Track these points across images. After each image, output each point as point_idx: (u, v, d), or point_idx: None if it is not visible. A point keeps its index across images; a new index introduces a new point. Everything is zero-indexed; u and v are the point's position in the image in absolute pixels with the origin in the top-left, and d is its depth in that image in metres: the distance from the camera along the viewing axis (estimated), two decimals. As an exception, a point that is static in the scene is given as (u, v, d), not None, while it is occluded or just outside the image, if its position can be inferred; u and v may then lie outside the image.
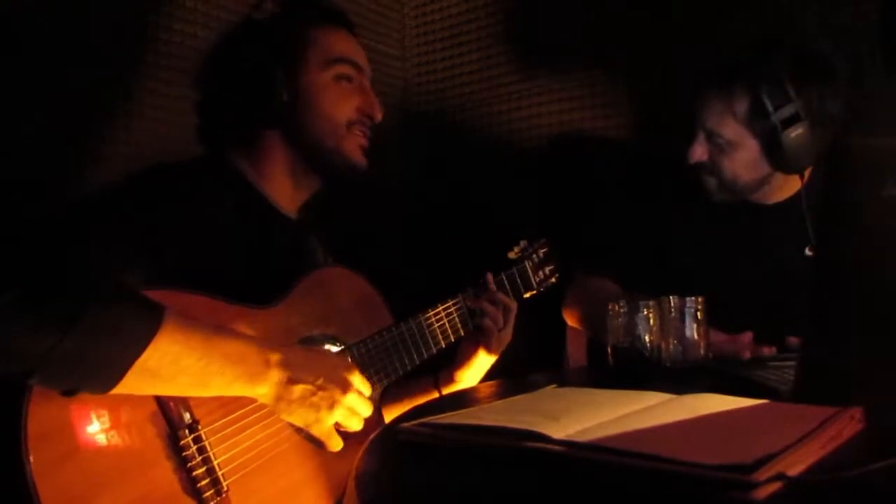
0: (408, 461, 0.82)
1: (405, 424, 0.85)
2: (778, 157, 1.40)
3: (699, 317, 1.17)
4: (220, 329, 0.94)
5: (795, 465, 0.63)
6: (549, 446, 0.71)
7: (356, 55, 1.23)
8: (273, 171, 1.20)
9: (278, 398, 0.95)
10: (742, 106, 1.40)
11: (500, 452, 0.75)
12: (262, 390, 0.94)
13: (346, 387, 1.00)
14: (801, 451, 0.65)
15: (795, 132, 1.36)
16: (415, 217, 2.26)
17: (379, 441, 0.91)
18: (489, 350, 1.33)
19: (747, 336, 1.28)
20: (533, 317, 1.45)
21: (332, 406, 0.98)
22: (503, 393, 1.00)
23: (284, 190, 1.21)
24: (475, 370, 1.35)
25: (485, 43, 2.16)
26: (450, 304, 1.29)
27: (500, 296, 1.34)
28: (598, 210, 1.83)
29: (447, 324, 1.27)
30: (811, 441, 0.67)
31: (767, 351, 1.26)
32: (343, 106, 1.20)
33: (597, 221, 1.77)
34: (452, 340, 1.29)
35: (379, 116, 1.24)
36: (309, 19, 1.20)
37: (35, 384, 0.80)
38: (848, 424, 0.73)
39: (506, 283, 1.38)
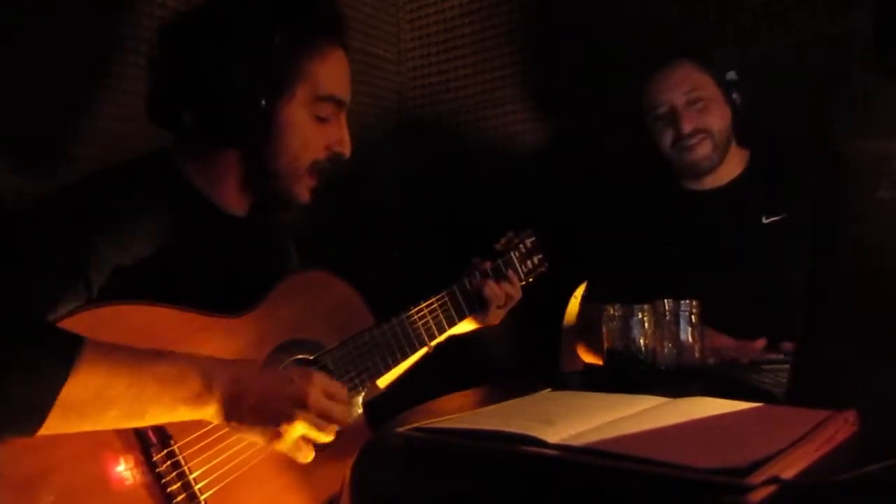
0: (402, 466, 0.82)
1: (400, 429, 0.85)
2: (729, 95, 1.59)
3: (693, 320, 1.17)
4: (150, 352, 0.87)
5: (789, 469, 0.63)
6: (544, 450, 0.71)
7: (343, 90, 1.15)
8: (221, 179, 1.13)
9: (227, 416, 0.89)
10: (702, 62, 1.60)
11: (494, 456, 0.74)
12: (210, 411, 0.89)
13: (303, 396, 0.92)
14: (795, 454, 0.65)
15: (731, 75, 1.59)
16: (408, 220, 2.25)
17: (373, 445, 0.91)
18: (482, 320, 1.34)
19: (760, 342, 1.29)
20: (528, 321, 1.45)
21: (291, 418, 0.91)
22: (498, 397, 1.00)
23: (231, 195, 1.15)
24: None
25: (479, 47, 2.16)
26: (433, 301, 1.27)
27: (508, 283, 1.35)
28: (589, 234, 1.84)
29: (431, 321, 1.26)
30: (805, 444, 0.67)
31: (774, 356, 1.27)
32: (311, 146, 1.12)
33: (590, 248, 1.79)
34: (437, 335, 1.27)
35: (347, 155, 1.16)
36: (307, 43, 1.09)
37: None
38: (842, 427, 0.73)
39: (490, 275, 1.37)
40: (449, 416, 0.91)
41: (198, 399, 0.87)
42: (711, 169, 1.61)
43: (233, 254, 1.15)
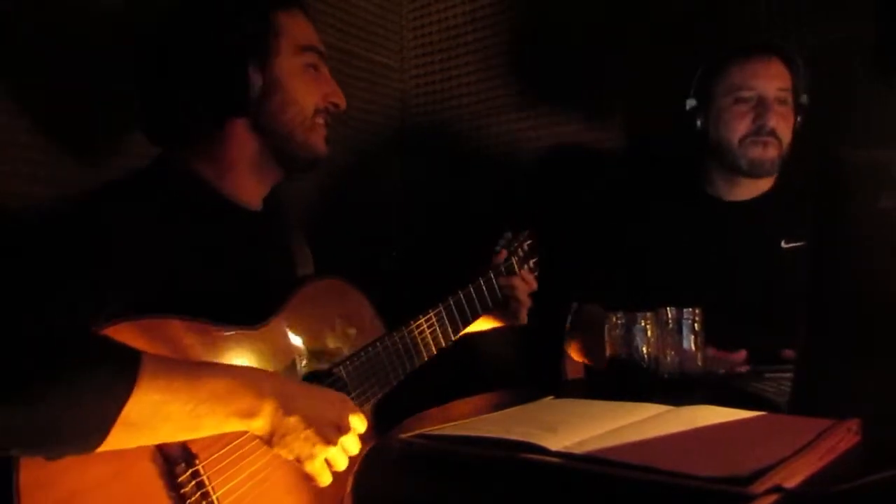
0: (406, 473, 0.82)
1: (403, 436, 0.85)
2: (797, 115, 1.56)
3: (696, 328, 1.17)
4: (204, 366, 0.90)
5: (792, 478, 0.63)
6: (546, 458, 0.71)
7: (320, 43, 1.20)
8: (236, 164, 1.14)
9: (273, 430, 0.91)
10: (793, 71, 1.56)
11: (497, 464, 0.75)
12: (258, 423, 0.90)
13: (343, 423, 0.96)
14: (797, 463, 0.65)
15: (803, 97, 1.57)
16: (412, 228, 2.26)
17: (377, 452, 0.91)
18: (511, 320, 1.39)
19: (741, 354, 1.29)
20: (530, 327, 1.45)
21: (328, 441, 0.94)
22: (501, 404, 1.00)
23: (247, 184, 1.16)
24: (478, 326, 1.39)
25: (483, 54, 2.16)
26: (431, 314, 1.26)
27: (527, 274, 1.42)
28: (586, 235, 1.82)
29: (439, 329, 1.26)
30: (808, 453, 0.67)
31: (743, 370, 1.27)
32: (311, 93, 1.17)
33: (587, 249, 1.77)
34: (434, 351, 1.26)
35: (343, 105, 1.21)
36: (275, 4, 1.15)
37: (16, 455, 0.76)
38: (844, 437, 0.73)
39: (495, 282, 1.38)
40: (451, 423, 0.91)
41: (249, 412, 0.88)
42: (766, 175, 1.57)
43: (251, 249, 1.15)
